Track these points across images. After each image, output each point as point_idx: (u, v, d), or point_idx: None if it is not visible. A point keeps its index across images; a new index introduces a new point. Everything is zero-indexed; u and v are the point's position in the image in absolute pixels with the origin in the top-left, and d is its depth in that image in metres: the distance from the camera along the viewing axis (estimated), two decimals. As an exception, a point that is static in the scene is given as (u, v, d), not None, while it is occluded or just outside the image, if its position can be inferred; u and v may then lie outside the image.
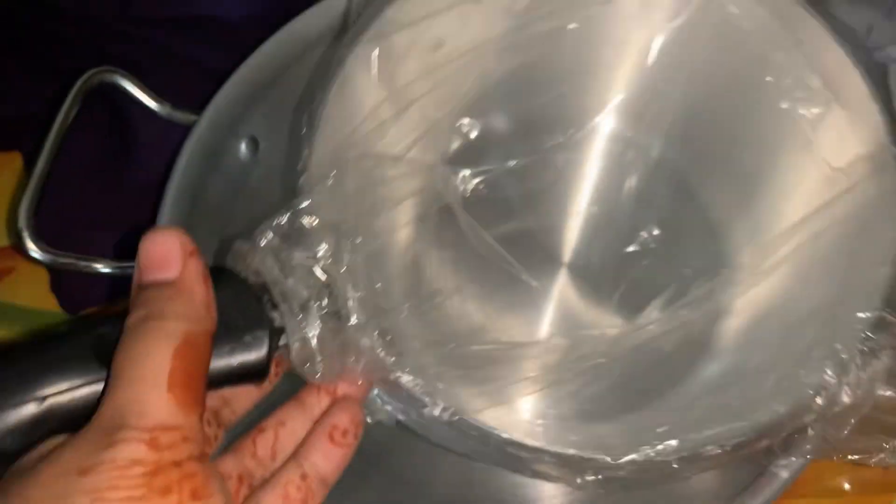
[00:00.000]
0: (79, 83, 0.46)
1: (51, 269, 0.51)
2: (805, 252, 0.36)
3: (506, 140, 0.42)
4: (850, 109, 0.39)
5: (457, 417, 0.32)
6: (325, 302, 0.33)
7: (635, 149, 0.42)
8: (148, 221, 0.44)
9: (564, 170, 0.43)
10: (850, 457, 0.35)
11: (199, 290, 0.30)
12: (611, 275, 0.41)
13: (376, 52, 0.37)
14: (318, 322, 0.32)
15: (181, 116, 0.49)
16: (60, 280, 0.53)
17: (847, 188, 0.37)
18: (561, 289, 0.41)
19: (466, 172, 0.41)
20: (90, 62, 0.48)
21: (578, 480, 0.34)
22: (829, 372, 0.32)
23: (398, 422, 0.36)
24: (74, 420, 0.28)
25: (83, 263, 0.45)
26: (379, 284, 0.33)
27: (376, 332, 0.32)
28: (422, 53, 0.39)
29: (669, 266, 0.41)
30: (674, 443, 0.31)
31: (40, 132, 0.46)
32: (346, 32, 0.38)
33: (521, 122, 0.42)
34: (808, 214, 0.37)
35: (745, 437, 0.31)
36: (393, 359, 0.32)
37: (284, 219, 0.33)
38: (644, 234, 0.41)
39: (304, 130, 0.36)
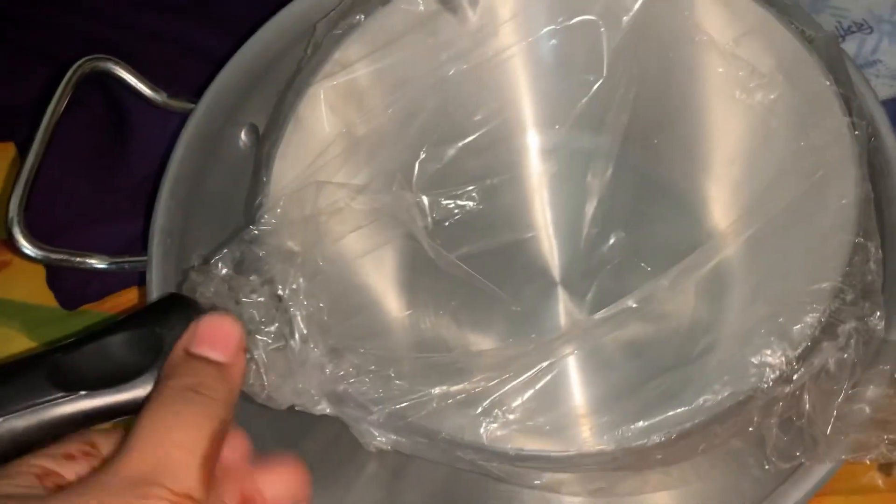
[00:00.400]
0: (70, 71, 0.45)
1: (44, 265, 0.51)
2: (764, 228, 0.35)
3: (464, 164, 0.43)
4: (804, 90, 0.38)
5: (402, 421, 0.32)
6: (273, 326, 0.34)
7: (598, 155, 0.42)
8: (144, 213, 0.43)
9: (528, 186, 0.44)
10: (844, 456, 0.33)
11: (239, 385, 0.31)
12: (581, 280, 0.41)
13: (324, 90, 0.39)
14: (267, 343, 0.34)
15: (178, 104, 0.47)
16: (57, 276, 0.52)
17: (808, 164, 0.36)
18: (530, 299, 0.42)
19: (432, 199, 0.42)
20: (83, 49, 0.47)
21: (536, 482, 0.33)
22: (774, 349, 0.30)
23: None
24: (31, 440, 0.31)
25: (77, 260, 0.43)
26: (322, 304, 0.34)
27: (321, 348, 0.33)
28: (373, 89, 0.41)
29: (634, 265, 0.40)
30: (609, 437, 0.30)
31: (32, 123, 0.45)
32: (298, 73, 0.41)
33: (479, 145, 0.43)
34: (768, 193, 0.36)
35: (688, 424, 0.30)
36: (339, 371, 0.33)
37: (237, 247, 0.35)
38: (612, 238, 0.41)
39: (262, 169, 0.39)
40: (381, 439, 0.36)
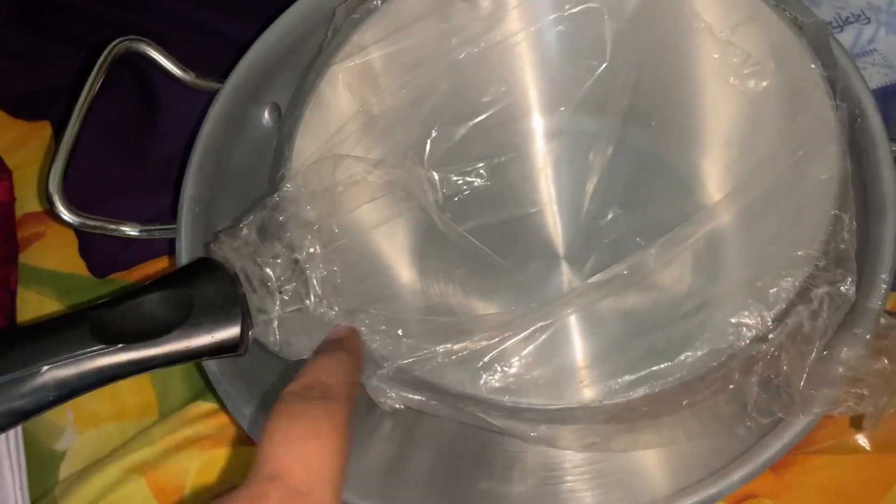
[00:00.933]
0: (106, 51, 0.47)
1: (80, 232, 0.53)
2: (750, 202, 0.37)
3: (474, 143, 0.46)
4: (793, 75, 0.40)
5: (409, 375, 0.35)
6: (291, 286, 0.37)
7: (599, 136, 0.44)
8: (172, 188, 0.46)
9: (533, 165, 0.46)
10: (817, 410, 0.35)
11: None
12: (581, 253, 0.44)
13: (342, 71, 0.42)
14: (286, 302, 0.37)
15: (205, 84, 0.50)
16: (88, 245, 0.54)
17: (795, 144, 0.38)
18: (533, 270, 0.44)
19: (442, 175, 0.44)
20: (113, 34, 0.49)
21: (532, 433, 0.36)
22: (751, 310, 0.33)
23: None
24: (73, 388, 0.34)
25: (111, 227, 0.46)
26: (336, 269, 0.37)
27: (336, 307, 0.36)
28: (389, 70, 0.44)
29: (630, 239, 0.43)
30: (598, 390, 0.33)
31: (67, 103, 0.47)
32: (319, 55, 0.43)
33: (488, 125, 0.46)
34: (757, 171, 0.38)
35: (670, 378, 0.33)
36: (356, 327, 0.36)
37: (259, 214, 0.38)
38: (610, 214, 0.44)
39: (285, 143, 0.42)
40: (391, 395, 0.39)
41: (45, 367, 0.33)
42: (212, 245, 0.38)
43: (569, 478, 0.43)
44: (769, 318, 0.33)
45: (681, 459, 0.41)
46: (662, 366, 0.33)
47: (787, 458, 0.43)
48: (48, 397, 0.34)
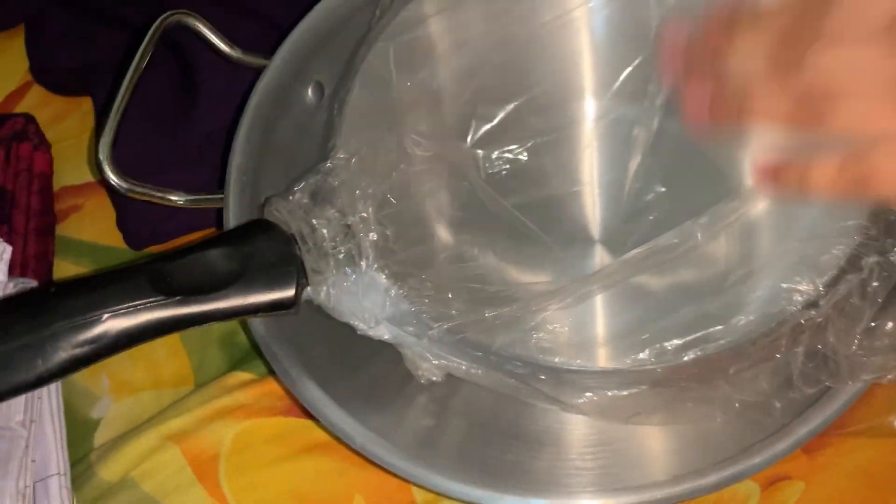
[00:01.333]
0: (155, 24, 0.49)
1: (118, 204, 0.55)
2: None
3: (519, 121, 0.46)
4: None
5: (458, 336, 0.36)
6: (346, 246, 0.38)
7: (642, 121, 0.45)
8: (212, 164, 0.47)
9: (577, 146, 0.47)
10: (866, 376, 0.36)
11: None
12: (622, 230, 0.44)
13: (392, 47, 0.43)
14: (340, 262, 0.38)
15: (251, 60, 0.51)
16: (126, 218, 0.55)
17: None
18: (575, 246, 0.45)
19: (486, 152, 0.45)
20: (151, 11, 0.50)
21: (578, 401, 0.37)
22: (803, 276, 0.34)
23: (448, 375, 0.41)
24: (131, 336, 0.35)
25: (158, 194, 0.47)
26: (389, 233, 0.37)
27: (386, 271, 0.37)
28: (437, 47, 0.45)
29: (671, 217, 0.43)
30: (646, 353, 0.33)
31: (107, 80, 0.49)
32: (369, 31, 0.44)
33: (533, 105, 0.46)
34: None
35: (722, 341, 0.33)
36: (403, 292, 0.37)
37: (313, 178, 0.39)
38: (650, 194, 0.44)
39: (335, 114, 0.43)
40: (434, 363, 0.39)
41: (106, 315, 0.34)
42: (266, 207, 0.38)
43: (597, 453, 0.43)
44: (820, 285, 0.34)
45: (713, 436, 0.41)
46: (714, 329, 0.34)
47: (820, 440, 0.44)
48: (108, 344, 0.34)
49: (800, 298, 0.34)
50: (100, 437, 0.50)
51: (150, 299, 0.35)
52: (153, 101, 0.58)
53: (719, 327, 0.34)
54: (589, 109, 0.47)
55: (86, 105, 0.62)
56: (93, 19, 0.62)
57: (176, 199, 0.48)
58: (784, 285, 0.34)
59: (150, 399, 0.51)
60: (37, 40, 0.64)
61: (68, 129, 0.61)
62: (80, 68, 0.62)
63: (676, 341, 0.34)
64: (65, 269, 0.56)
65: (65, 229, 0.58)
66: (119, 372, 0.52)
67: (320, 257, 0.37)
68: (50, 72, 0.63)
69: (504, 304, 0.37)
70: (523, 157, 0.45)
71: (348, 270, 0.37)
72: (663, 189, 0.44)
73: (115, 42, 0.59)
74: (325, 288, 0.37)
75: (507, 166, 0.45)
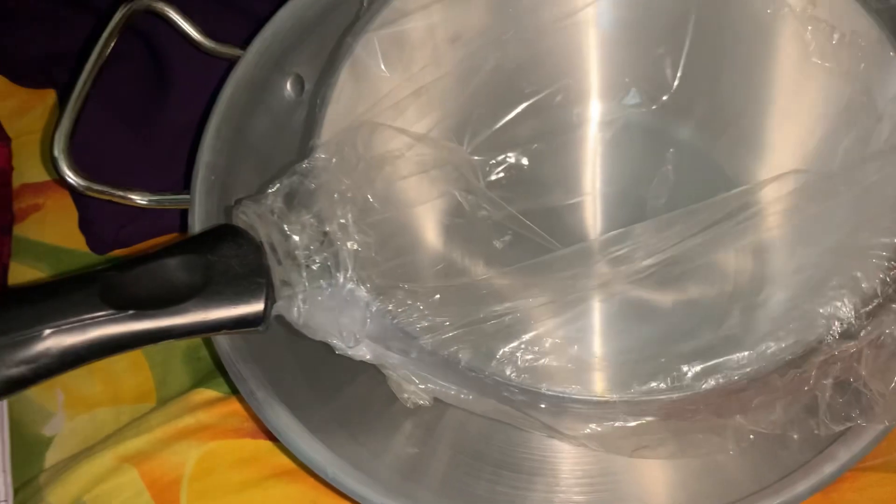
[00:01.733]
0: (123, 9, 0.45)
1: (81, 205, 0.51)
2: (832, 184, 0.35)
3: (520, 125, 0.43)
4: (870, 61, 0.38)
5: (446, 352, 0.32)
6: (321, 256, 0.34)
7: (652, 131, 0.42)
8: (182, 162, 0.44)
9: (580, 155, 0.44)
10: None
11: None
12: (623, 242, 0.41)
13: (381, 38, 0.39)
14: (313, 274, 0.34)
15: (228, 51, 0.48)
16: (89, 219, 0.52)
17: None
18: (577, 258, 0.41)
19: (484, 158, 0.42)
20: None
21: (580, 433, 0.33)
22: (846, 302, 0.30)
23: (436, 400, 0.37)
24: (78, 355, 0.30)
25: (119, 193, 0.43)
26: (370, 241, 0.34)
27: (367, 284, 0.33)
28: (430, 42, 0.41)
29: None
30: (661, 379, 0.30)
31: (73, 69, 0.45)
32: (356, 21, 0.41)
33: (536, 108, 0.43)
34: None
35: (748, 369, 0.30)
36: (387, 306, 0.33)
37: (288, 180, 0.35)
38: (654, 203, 0.41)
39: (316, 110, 0.39)
40: (420, 386, 0.36)
41: (48, 331, 0.30)
42: (234, 210, 0.34)
43: (594, 485, 0.40)
44: (863, 314, 0.30)
45: (723, 469, 0.38)
46: (739, 355, 0.30)
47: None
48: (49, 365, 0.30)
49: (839, 327, 0.30)
50: (51, 458, 0.46)
51: (100, 313, 0.31)
52: (121, 95, 0.54)
53: (745, 353, 0.30)
54: (594, 114, 0.44)
55: (51, 98, 0.58)
56: (60, 4, 0.58)
57: (138, 198, 0.44)
58: (822, 310, 0.30)
59: (108, 416, 0.47)
60: (-1, 26, 0.60)
61: (31, 122, 0.57)
62: (44, 58, 0.58)
63: (697, 367, 0.31)
64: (22, 272, 0.52)
65: (23, 230, 0.54)
66: (75, 386, 0.48)
67: (292, 268, 0.33)
68: (13, 61, 0.59)
69: (498, 320, 0.33)
70: (524, 162, 0.42)
71: (323, 283, 0.34)
72: (665, 200, 0.40)
73: (83, 30, 0.55)
74: (296, 303, 0.33)
75: (506, 173, 0.42)
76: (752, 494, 0.35)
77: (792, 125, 0.41)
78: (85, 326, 0.30)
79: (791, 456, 0.35)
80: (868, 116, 0.36)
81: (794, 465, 0.35)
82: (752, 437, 0.35)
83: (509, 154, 0.42)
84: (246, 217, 0.34)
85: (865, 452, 0.33)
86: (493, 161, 0.42)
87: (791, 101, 0.41)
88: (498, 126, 0.43)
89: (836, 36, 0.37)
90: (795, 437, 0.34)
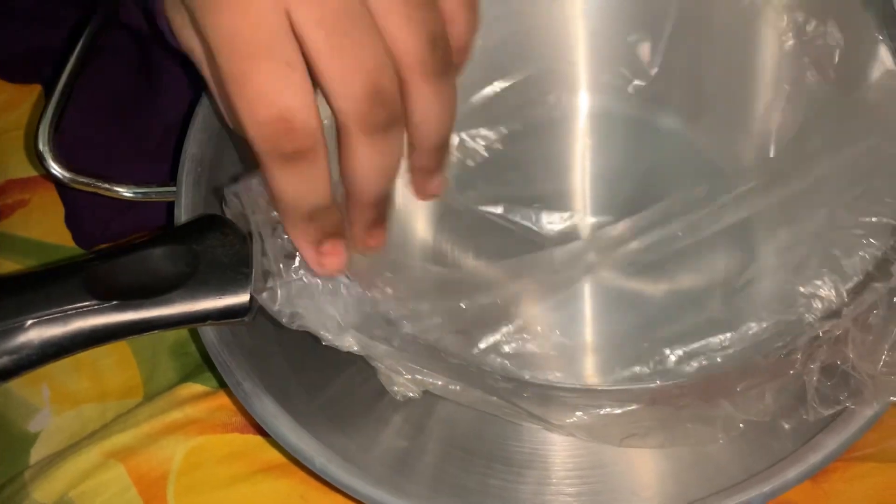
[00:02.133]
0: (108, 2, 0.45)
1: (67, 199, 0.51)
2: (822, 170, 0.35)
3: (499, 107, 0.43)
4: (856, 45, 0.38)
5: (433, 338, 0.32)
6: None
7: (638, 120, 0.42)
8: (168, 158, 0.43)
9: (566, 141, 0.44)
10: (894, 398, 0.32)
11: None
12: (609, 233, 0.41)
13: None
14: (298, 265, 0.33)
15: None
16: (75, 213, 0.52)
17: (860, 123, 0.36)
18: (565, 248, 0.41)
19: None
20: None
21: (567, 421, 0.33)
22: (825, 280, 0.30)
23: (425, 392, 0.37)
24: (60, 346, 0.30)
25: (104, 185, 0.43)
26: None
27: (349, 272, 0.33)
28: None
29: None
30: (643, 365, 0.30)
31: (59, 64, 0.45)
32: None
33: (510, 91, 0.43)
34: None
35: (731, 350, 0.30)
36: (371, 294, 0.33)
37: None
38: (636, 189, 0.41)
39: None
40: (408, 377, 0.35)
41: (30, 322, 0.30)
42: (226, 192, 0.34)
43: (585, 476, 0.40)
44: (844, 292, 0.30)
45: (713, 459, 0.38)
46: (721, 337, 0.30)
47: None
48: (32, 356, 0.30)
49: (820, 306, 0.30)
50: (37, 454, 0.46)
51: (83, 304, 0.30)
52: (108, 88, 0.53)
53: (727, 335, 0.30)
54: (579, 101, 0.44)
55: (38, 93, 0.58)
56: (51, 3, 0.57)
57: (123, 191, 0.43)
58: (802, 289, 0.30)
59: (94, 412, 0.47)
60: (-14, 21, 0.59)
61: (17, 118, 0.57)
62: (31, 53, 0.57)
63: (679, 350, 0.30)
64: (8, 269, 0.51)
65: (9, 226, 0.53)
66: (61, 381, 0.47)
67: (278, 259, 0.33)
68: (1, 56, 0.58)
69: (481, 307, 0.33)
70: (503, 131, 0.41)
71: (308, 272, 0.33)
72: (653, 185, 0.40)
73: (69, 25, 0.54)
74: (279, 293, 0.33)
75: (485, 154, 0.41)
76: (742, 482, 0.35)
77: (773, 111, 0.41)
78: (68, 317, 0.30)
79: (781, 444, 0.35)
80: (846, 101, 0.36)
81: (784, 453, 0.35)
82: (741, 426, 0.35)
83: (487, 134, 0.42)
84: (231, 207, 0.34)
85: (855, 439, 0.33)
86: (468, 137, 0.41)
87: (771, 88, 0.41)
88: (476, 98, 0.42)
89: (813, 23, 0.37)
90: (786, 426, 0.34)
